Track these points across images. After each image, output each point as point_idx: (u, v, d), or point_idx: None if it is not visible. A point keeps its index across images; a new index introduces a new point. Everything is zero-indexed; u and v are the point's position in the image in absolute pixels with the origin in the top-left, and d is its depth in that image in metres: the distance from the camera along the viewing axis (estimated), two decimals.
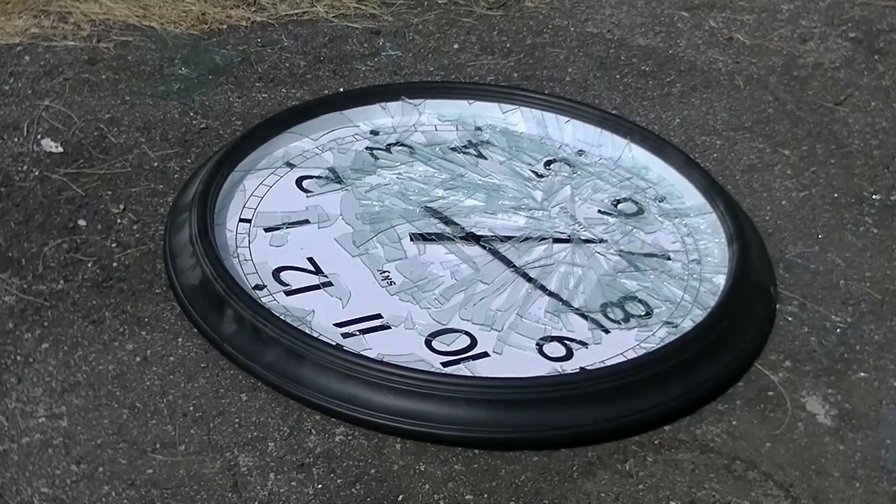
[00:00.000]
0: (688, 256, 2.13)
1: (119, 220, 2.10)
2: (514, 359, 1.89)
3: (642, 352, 1.92)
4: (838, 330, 2.04)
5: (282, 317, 1.88)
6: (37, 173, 2.18)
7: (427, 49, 2.65)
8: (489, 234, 2.12)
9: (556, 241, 2.13)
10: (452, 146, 2.34)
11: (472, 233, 2.12)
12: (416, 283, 2.01)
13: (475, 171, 2.28)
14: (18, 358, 1.84)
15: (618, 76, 2.62)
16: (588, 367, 1.88)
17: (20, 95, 2.37)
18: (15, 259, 2.01)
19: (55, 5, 2.63)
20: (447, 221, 2.14)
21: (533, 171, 2.29)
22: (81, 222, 2.09)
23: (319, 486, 1.70)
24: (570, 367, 1.88)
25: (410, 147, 2.33)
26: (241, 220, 2.10)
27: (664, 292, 2.05)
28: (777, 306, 2.07)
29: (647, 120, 2.46)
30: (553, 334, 1.94)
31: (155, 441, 1.73)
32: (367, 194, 2.19)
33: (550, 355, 1.91)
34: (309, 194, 2.18)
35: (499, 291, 2.01)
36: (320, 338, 1.86)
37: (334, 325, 1.91)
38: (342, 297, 1.97)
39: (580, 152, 2.34)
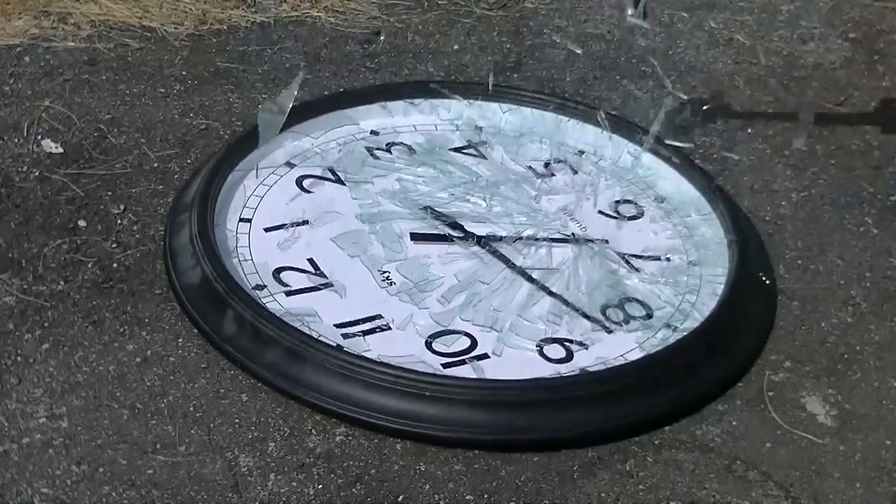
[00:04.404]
0: (688, 258, 2.13)
1: (119, 221, 2.10)
2: (514, 360, 1.89)
3: (643, 354, 1.91)
4: (838, 330, 2.04)
5: (282, 317, 1.88)
6: (37, 174, 2.18)
7: (427, 50, 2.65)
8: (490, 234, 2.12)
9: (557, 241, 2.13)
10: (453, 146, 2.34)
11: (472, 233, 2.12)
12: (417, 284, 2.00)
13: (476, 170, 2.28)
14: (19, 359, 1.84)
15: (618, 77, 2.62)
16: (588, 369, 1.88)
17: (20, 96, 2.37)
18: (15, 260, 2.01)
19: (55, 6, 2.63)
20: (448, 221, 2.14)
21: (533, 172, 2.29)
22: (81, 223, 2.09)
23: (320, 486, 1.70)
24: (570, 368, 1.88)
25: (410, 147, 2.32)
26: (242, 220, 2.10)
27: (664, 294, 2.04)
28: (777, 307, 2.07)
29: (648, 121, 2.46)
30: (554, 336, 1.94)
31: (155, 441, 1.73)
32: (367, 194, 2.19)
33: (551, 357, 1.91)
34: (309, 194, 2.18)
35: (499, 292, 2.01)
36: (320, 339, 1.85)
37: (334, 325, 1.91)
38: (342, 297, 1.97)
39: (580, 152, 2.34)
